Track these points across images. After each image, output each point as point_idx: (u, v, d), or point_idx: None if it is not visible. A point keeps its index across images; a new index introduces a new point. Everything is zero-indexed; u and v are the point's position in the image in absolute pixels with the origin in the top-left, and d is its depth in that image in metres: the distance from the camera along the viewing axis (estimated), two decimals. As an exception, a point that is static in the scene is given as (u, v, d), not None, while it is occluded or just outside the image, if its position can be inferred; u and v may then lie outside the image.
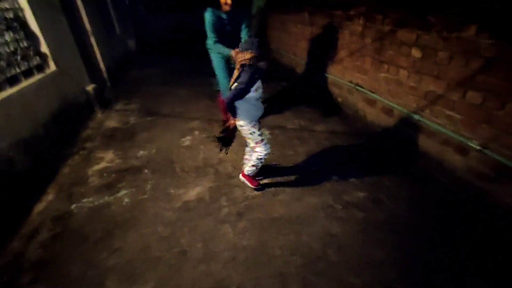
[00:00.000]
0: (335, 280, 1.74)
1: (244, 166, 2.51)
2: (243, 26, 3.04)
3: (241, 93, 2.03)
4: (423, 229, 2.06)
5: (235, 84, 2.05)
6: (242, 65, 2.01)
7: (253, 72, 2.00)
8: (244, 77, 1.99)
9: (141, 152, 3.26)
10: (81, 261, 1.96)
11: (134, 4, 11.73)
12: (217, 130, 3.29)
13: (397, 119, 3.00)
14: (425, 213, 2.20)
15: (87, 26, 5.25)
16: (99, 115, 4.46)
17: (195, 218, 2.26)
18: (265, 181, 2.62)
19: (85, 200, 2.55)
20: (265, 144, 2.26)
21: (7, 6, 2.95)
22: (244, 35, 3.07)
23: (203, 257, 1.92)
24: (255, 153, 2.30)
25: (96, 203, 2.50)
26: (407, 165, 2.77)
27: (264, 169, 2.66)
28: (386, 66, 3.01)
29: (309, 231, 2.07)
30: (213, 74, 3.39)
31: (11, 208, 2.36)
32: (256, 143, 2.24)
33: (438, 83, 2.43)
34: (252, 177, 2.49)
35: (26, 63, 3.07)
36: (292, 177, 2.67)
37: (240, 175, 2.55)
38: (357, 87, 3.54)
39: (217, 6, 2.89)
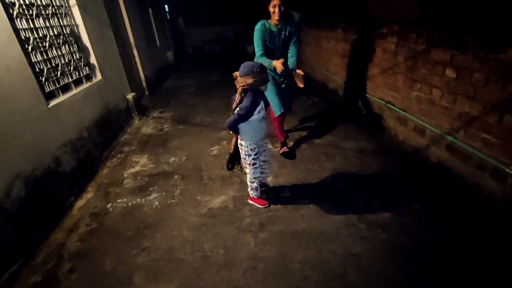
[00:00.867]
0: (354, 299, 1.71)
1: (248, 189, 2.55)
2: (294, 39, 2.97)
3: (242, 119, 2.04)
4: (449, 255, 1.97)
5: (237, 109, 2.03)
6: (244, 90, 1.98)
7: (255, 96, 1.99)
8: (246, 102, 1.97)
9: (172, 159, 3.45)
10: (113, 256, 2.12)
11: (174, 18, 12.47)
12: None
13: (429, 140, 2.91)
14: (453, 239, 2.10)
15: (131, 39, 5.72)
16: (136, 121, 4.80)
17: (218, 225, 2.35)
18: (288, 194, 2.65)
19: (119, 200, 2.76)
20: (256, 168, 2.28)
21: (65, 23, 3.33)
22: (293, 49, 3.00)
23: (224, 263, 1.98)
24: (248, 174, 2.36)
25: (129, 203, 2.70)
26: (438, 187, 2.66)
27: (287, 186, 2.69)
28: (418, 85, 2.95)
29: (330, 248, 2.06)
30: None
31: (56, 203, 2.62)
32: (248, 164, 2.27)
33: (473, 104, 2.35)
34: (257, 198, 2.51)
35: (77, 73, 3.42)
36: (317, 193, 2.67)
37: (248, 199, 2.59)
38: (387, 105, 3.49)
39: (266, 18, 2.86)
